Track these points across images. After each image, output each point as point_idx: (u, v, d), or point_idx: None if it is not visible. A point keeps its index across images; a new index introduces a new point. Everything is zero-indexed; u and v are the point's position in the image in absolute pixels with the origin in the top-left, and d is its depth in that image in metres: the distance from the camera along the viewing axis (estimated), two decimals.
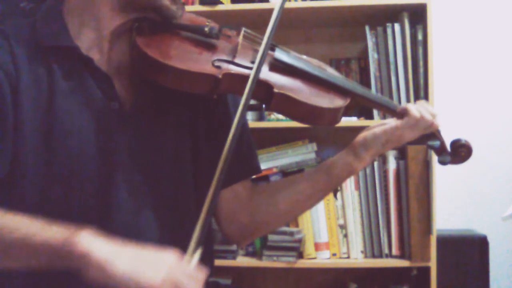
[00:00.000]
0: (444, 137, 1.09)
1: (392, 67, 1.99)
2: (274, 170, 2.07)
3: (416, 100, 1.97)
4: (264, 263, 2.02)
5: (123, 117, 0.96)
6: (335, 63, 2.17)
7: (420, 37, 1.96)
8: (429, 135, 1.08)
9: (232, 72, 0.97)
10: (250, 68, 0.97)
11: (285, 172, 2.08)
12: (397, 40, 1.99)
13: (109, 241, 0.80)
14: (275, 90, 0.97)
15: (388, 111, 1.08)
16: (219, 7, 2.01)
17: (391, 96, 1.98)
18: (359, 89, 1.07)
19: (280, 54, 1.03)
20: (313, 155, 2.08)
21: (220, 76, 0.94)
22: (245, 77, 0.95)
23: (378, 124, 1.06)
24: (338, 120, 1.03)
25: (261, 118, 2.10)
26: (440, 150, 1.09)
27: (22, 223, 0.82)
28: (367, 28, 2.02)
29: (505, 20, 2.32)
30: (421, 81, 1.96)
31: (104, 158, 0.94)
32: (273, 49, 1.04)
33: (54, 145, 0.92)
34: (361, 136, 1.05)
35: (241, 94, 0.92)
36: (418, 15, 1.98)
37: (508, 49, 2.32)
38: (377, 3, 1.97)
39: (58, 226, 0.81)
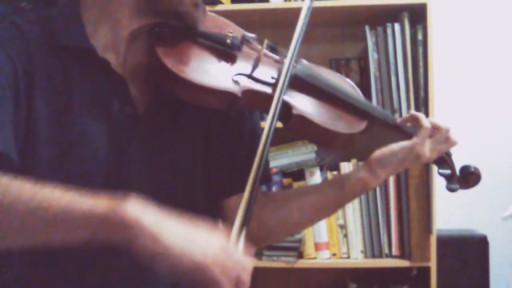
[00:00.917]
0: (455, 162, 1.08)
1: (392, 67, 1.99)
2: (274, 170, 2.07)
3: (416, 100, 1.97)
4: (264, 263, 2.02)
5: (136, 122, 0.94)
6: (335, 63, 2.17)
7: (420, 37, 1.96)
8: (440, 162, 1.07)
9: (252, 89, 0.94)
10: (271, 84, 0.95)
11: (285, 172, 2.08)
12: (397, 40, 1.99)
13: (157, 210, 0.75)
14: (294, 112, 0.95)
15: (404, 134, 1.05)
16: (219, 7, 2.00)
17: (391, 96, 1.98)
18: (377, 111, 1.05)
19: (301, 72, 1.00)
20: (313, 155, 2.08)
21: (239, 95, 0.92)
22: (264, 95, 0.93)
23: (396, 143, 1.04)
24: (352, 145, 1.02)
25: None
26: (451, 178, 1.09)
27: (64, 195, 0.75)
28: (367, 28, 2.02)
29: (505, 20, 2.32)
30: (421, 81, 1.96)
31: (116, 162, 0.92)
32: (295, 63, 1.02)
33: (67, 147, 0.90)
34: (378, 152, 1.03)
35: (260, 110, 0.89)
36: (418, 15, 1.98)
37: (508, 49, 2.32)
38: (377, 3, 1.97)
39: (102, 196, 0.74)
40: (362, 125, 1.02)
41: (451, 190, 1.09)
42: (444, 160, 1.08)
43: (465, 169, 1.09)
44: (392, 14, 2.01)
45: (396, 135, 1.07)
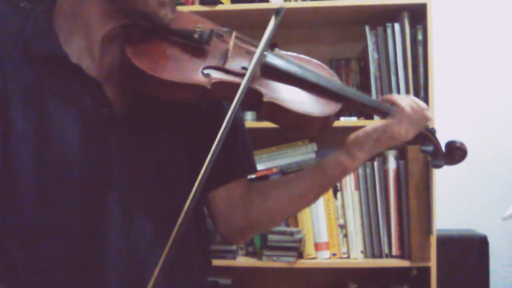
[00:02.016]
0: (438, 140, 1.07)
1: (392, 67, 1.99)
2: (274, 170, 2.07)
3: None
4: (264, 263, 2.02)
5: (115, 123, 0.96)
6: (335, 63, 2.17)
7: (420, 37, 1.96)
8: (423, 138, 1.07)
9: (222, 80, 0.95)
10: (241, 75, 0.96)
11: (285, 172, 2.08)
12: (397, 40, 1.99)
13: None
14: (264, 99, 0.96)
15: (380, 113, 1.06)
16: (219, 7, 2.01)
17: None
18: (351, 93, 1.05)
19: (271, 59, 1.01)
20: (313, 155, 2.09)
21: (209, 87, 0.93)
22: (235, 85, 0.93)
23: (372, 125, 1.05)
24: (329, 127, 1.02)
25: (261, 118, 2.10)
26: (434, 154, 1.07)
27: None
28: (367, 28, 2.02)
29: (505, 20, 2.32)
30: (421, 81, 1.96)
31: (95, 164, 0.94)
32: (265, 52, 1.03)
33: (45, 152, 0.92)
34: (353, 134, 1.04)
35: (232, 101, 0.90)
36: (418, 15, 1.98)
37: (508, 49, 2.32)
38: (377, 3, 1.97)
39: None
40: (336, 107, 1.02)
41: (436, 166, 1.08)
42: (425, 137, 1.06)
43: (450, 144, 1.07)
44: (392, 14, 2.01)
45: (377, 115, 1.07)
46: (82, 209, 0.93)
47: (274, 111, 0.97)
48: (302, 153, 2.09)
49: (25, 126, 0.91)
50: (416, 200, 1.95)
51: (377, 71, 2.01)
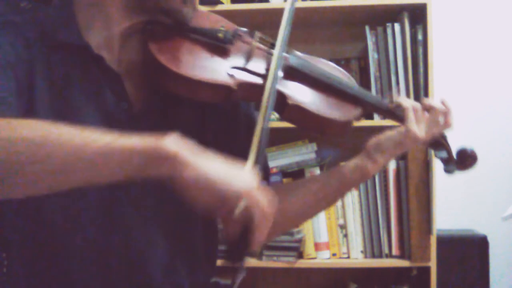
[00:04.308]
0: (450, 145, 1.10)
1: (392, 67, 1.99)
2: (274, 170, 2.07)
3: (416, 100, 1.96)
4: (264, 263, 2.02)
5: (132, 117, 0.95)
6: (335, 63, 2.14)
7: (420, 37, 1.96)
8: (436, 145, 1.09)
9: (247, 81, 0.95)
10: (264, 76, 0.95)
11: (285, 172, 2.08)
12: (397, 40, 1.99)
13: (193, 146, 0.78)
14: (290, 102, 0.96)
15: (397, 118, 1.07)
16: (219, 7, 2.01)
17: (391, 96, 1.98)
18: (370, 97, 1.07)
19: (294, 61, 1.02)
20: (313, 155, 2.08)
21: (234, 87, 0.92)
22: (259, 87, 0.93)
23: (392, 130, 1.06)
24: (348, 131, 1.03)
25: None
26: (447, 160, 1.10)
27: (97, 134, 0.76)
28: (367, 28, 2.02)
29: (505, 20, 2.32)
30: (421, 81, 1.96)
31: None
32: (287, 54, 1.03)
33: None
34: (374, 139, 1.05)
35: (255, 101, 0.90)
36: (418, 15, 1.98)
37: (508, 49, 2.32)
38: (377, 3, 1.97)
39: (136, 136, 0.77)
40: (356, 112, 1.03)
41: (448, 172, 1.11)
42: (440, 143, 1.09)
43: (461, 151, 1.10)
44: (392, 14, 2.01)
45: (391, 119, 1.09)
46: (94, 205, 0.92)
47: (298, 113, 0.98)
48: (302, 153, 2.09)
49: (46, 114, 0.89)
50: (416, 200, 1.95)
51: (377, 71, 2.01)
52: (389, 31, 1.99)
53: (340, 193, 1.10)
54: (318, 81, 1.02)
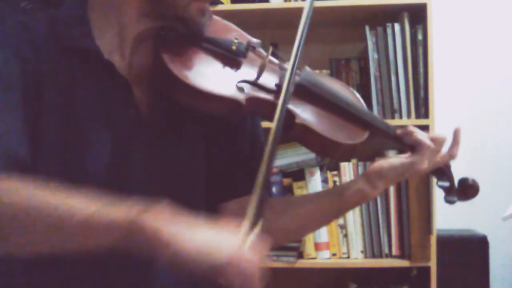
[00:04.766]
0: (453, 174, 1.09)
1: (392, 67, 1.99)
2: (274, 170, 2.07)
3: (416, 100, 1.97)
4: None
5: (139, 124, 0.94)
6: (335, 63, 2.17)
7: (420, 37, 1.96)
8: (439, 174, 1.08)
9: (256, 96, 0.94)
10: (275, 92, 0.94)
11: (285, 172, 2.08)
12: (397, 40, 1.99)
13: (177, 217, 0.76)
14: (297, 121, 0.94)
15: (404, 145, 1.06)
16: (219, 7, 2.00)
17: (391, 96, 1.98)
18: (379, 122, 1.05)
19: (305, 80, 1.00)
20: (313, 155, 2.08)
21: (244, 102, 0.91)
22: (268, 103, 0.92)
23: (395, 156, 1.05)
24: (354, 155, 1.03)
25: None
26: (449, 190, 1.10)
27: (81, 204, 0.75)
28: (367, 28, 2.02)
29: (505, 20, 2.32)
30: (421, 81, 1.96)
31: (119, 164, 0.92)
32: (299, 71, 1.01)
33: (71, 148, 0.89)
34: (377, 164, 1.04)
35: (263, 117, 0.89)
36: (418, 15, 1.98)
37: (508, 49, 2.32)
38: (377, 3, 1.97)
39: (120, 204, 0.75)
40: (364, 136, 1.02)
41: (449, 202, 1.10)
42: (443, 172, 1.08)
43: (463, 181, 1.09)
44: (392, 14, 2.01)
45: (397, 145, 1.08)
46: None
47: (305, 133, 0.96)
48: (302, 153, 2.08)
49: (53, 119, 0.88)
50: (416, 200, 1.95)
51: (377, 71, 2.01)
52: (389, 31, 1.99)
53: (337, 214, 1.10)
54: (327, 101, 1.01)
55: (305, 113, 0.97)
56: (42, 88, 0.88)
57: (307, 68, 1.05)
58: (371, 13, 2.04)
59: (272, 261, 2.01)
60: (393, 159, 1.04)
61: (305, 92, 0.99)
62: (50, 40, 0.90)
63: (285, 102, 0.90)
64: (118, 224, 0.74)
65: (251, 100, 0.93)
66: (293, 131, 0.95)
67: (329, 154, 1.02)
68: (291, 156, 2.08)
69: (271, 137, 0.86)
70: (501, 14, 2.32)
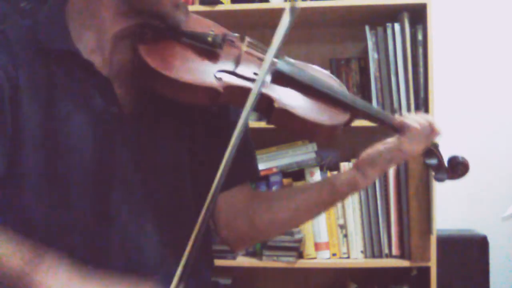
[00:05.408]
0: (442, 153, 1.08)
1: (392, 67, 1.99)
2: (274, 170, 2.07)
3: (416, 100, 1.97)
4: (264, 263, 2.02)
5: (122, 121, 0.96)
6: (335, 63, 2.17)
7: (420, 37, 1.96)
8: (427, 152, 1.08)
9: (234, 84, 0.96)
10: (252, 80, 0.96)
11: (285, 172, 2.08)
12: (397, 40, 1.99)
13: (71, 274, 0.81)
14: (276, 105, 0.97)
15: (388, 127, 1.06)
16: (219, 7, 2.01)
17: (391, 96, 1.98)
18: (360, 104, 1.06)
19: (283, 66, 1.02)
20: (313, 155, 2.08)
21: (221, 90, 0.93)
22: (246, 91, 0.92)
23: (382, 142, 1.05)
24: (337, 136, 1.03)
25: (261, 118, 2.09)
26: (438, 168, 1.08)
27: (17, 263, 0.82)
28: (367, 28, 2.02)
29: (505, 20, 2.32)
30: (421, 81, 1.96)
31: (102, 162, 0.94)
32: (277, 59, 1.03)
33: (53, 148, 0.91)
34: (366, 153, 1.05)
35: (242, 106, 0.90)
36: (418, 15, 1.98)
37: (508, 49, 2.32)
38: (377, 3, 1.97)
39: (22, 252, 0.83)
40: (345, 117, 1.03)
41: (439, 180, 1.09)
42: (430, 151, 1.08)
43: (453, 159, 1.08)
44: (392, 14, 2.01)
45: (383, 128, 1.07)
46: (88, 209, 0.93)
47: (285, 117, 0.98)
48: (302, 153, 2.09)
49: (34, 124, 0.90)
50: (416, 200, 1.95)
51: (377, 71, 2.01)
52: (389, 31, 1.99)
53: (329, 204, 1.11)
54: (306, 86, 1.03)
55: (284, 98, 0.99)
56: (20, 95, 0.90)
57: (287, 57, 1.07)
58: (371, 13, 2.04)
59: (272, 261, 2.01)
60: (380, 146, 1.04)
61: (284, 78, 1.01)
62: (30, 45, 0.93)
63: (259, 85, 0.90)
64: (13, 272, 0.81)
65: (229, 88, 0.95)
66: (273, 116, 0.97)
67: (311, 137, 1.05)
68: (291, 156, 2.09)
69: (241, 120, 0.86)
70: (501, 14, 2.32)
